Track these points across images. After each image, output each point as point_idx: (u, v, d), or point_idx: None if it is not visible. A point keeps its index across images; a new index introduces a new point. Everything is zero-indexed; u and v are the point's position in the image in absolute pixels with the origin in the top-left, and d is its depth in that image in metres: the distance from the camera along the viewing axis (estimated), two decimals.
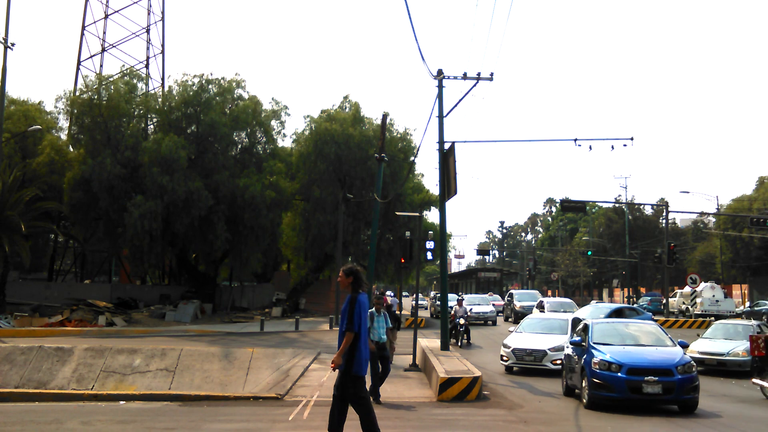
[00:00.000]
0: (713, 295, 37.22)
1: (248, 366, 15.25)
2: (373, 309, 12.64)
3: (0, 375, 14.40)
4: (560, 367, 14.97)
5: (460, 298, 26.30)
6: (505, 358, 17.02)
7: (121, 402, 12.57)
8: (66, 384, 14.11)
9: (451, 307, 39.28)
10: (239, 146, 36.75)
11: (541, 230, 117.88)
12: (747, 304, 52.50)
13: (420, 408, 11.82)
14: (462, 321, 22.65)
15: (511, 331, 18.52)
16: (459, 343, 22.11)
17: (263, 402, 12.66)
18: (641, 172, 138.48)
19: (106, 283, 44.64)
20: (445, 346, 17.99)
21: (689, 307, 39.22)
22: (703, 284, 39.37)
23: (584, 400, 12.05)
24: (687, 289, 39.57)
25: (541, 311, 28.37)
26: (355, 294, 7.44)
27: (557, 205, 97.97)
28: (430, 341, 20.03)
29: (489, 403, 12.52)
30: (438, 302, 38.32)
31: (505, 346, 17.14)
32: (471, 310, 30.05)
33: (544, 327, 18.09)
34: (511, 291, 42.84)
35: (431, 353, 16.11)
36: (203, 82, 34.75)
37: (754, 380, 14.00)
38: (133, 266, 38.80)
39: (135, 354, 15.55)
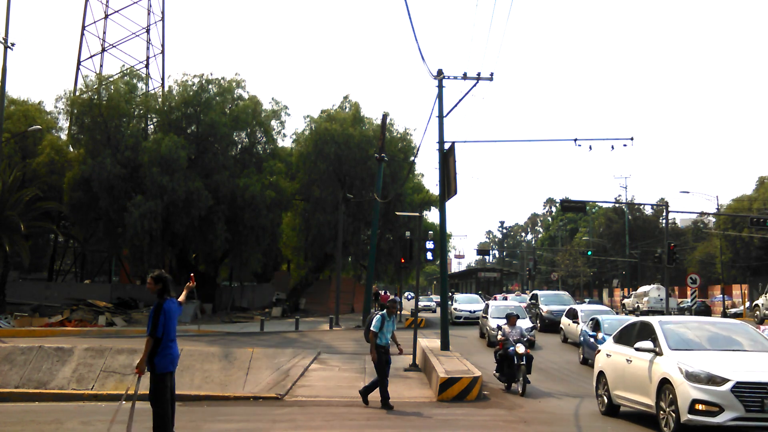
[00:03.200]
0: (658, 295, 44.19)
1: (248, 366, 15.25)
2: (385, 313, 12.18)
3: (0, 375, 14.38)
4: None
5: (511, 312, 16.73)
6: (709, 408, 8.24)
7: (122, 402, 12.55)
8: (66, 384, 14.10)
9: (472, 310, 34.22)
10: (239, 146, 36.75)
11: (541, 230, 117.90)
12: (747, 304, 52.53)
13: (420, 408, 11.81)
14: (521, 349, 13.73)
15: (596, 360, 11.92)
16: (520, 390, 13.51)
17: (263, 402, 12.66)
18: (641, 172, 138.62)
19: (106, 283, 44.65)
20: (445, 346, 17.98)
21: (640, 305, 45.92)
22: (651, 286, 48.70)
23: None
24: (639, 290, 49.36)
25: (573, 321, 22.84)
26: (161, 300, 7.82)
27: (557, 205, 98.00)
28: (430, 341, 20.02)
29: (489, 403, 12.51)
30: (459, 308, 34.81)
31: (704, 378, 8.42)
32: (530, 332, 20.57)
33: (713, 341, 9.78)
34: (535, 292, 35.46)
35: (431, 353, 16.12)
36: (203, 82, 34.75)
37: None
38: (133, 266, 38.80)
39: (135, 354, 15.53)
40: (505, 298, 46.26)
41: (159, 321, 7.69)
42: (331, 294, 39.97)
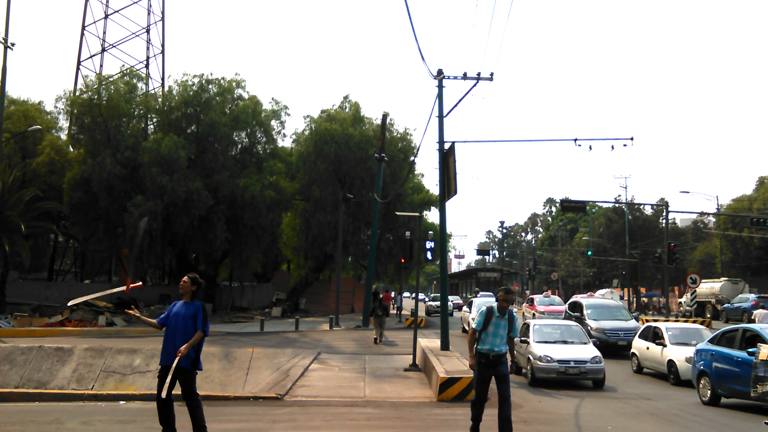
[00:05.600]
0: (611, 298, 47.09)
1: (248, 366, 15.25)
2: (494, 306, 8.91)
3: (0, 375, 14.38)
4: None
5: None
6: None
7: (121, 402, 12.56)
8: (66, 384, 14.10)
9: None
10: (239, 146, 36.75)
11: (541, 230, 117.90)
12: None
13: (420, 408, 11.81)
14: None
15: None
16: None
17: (263, 402, 12.66)
18: (641, 172, 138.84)
19: (106, 283, 44.61)
20: (445, 346, 17.97)
21: None
22: (605, 290, 52.77)
23: None
24: (597, 293, 52.00)
25: (655, 343, 17.23)
26: (201, 302, 8.24)
27: (557, 205, 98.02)
28: (430, 341, 20.02)
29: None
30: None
31: None
32: (597, 362, 15.15)
33: None
34: (578, 301, 25.57)
35: (431, 353, 16.11)
36: (203, 82, 34.74)
37: None
38: (133, 266, 38.74)
39: (135, 354, 15.55)
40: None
41: (207, 318, 8.09)
42: (331, 294, 39.98)
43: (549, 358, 14.75)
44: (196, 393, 8.11)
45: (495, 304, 8.88)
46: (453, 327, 28.67)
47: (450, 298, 54.80)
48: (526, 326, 16.66)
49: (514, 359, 9.11)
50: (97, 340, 20.54)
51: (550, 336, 16.19)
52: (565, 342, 15.98)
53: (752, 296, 37.39)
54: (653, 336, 17.64)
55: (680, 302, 44.99)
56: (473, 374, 8.90)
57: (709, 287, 41.57)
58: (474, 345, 8.85)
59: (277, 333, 26.85)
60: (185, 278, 8.23)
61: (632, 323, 21.92)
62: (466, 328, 27.58)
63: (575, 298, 31.95)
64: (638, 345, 18.31)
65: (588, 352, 15.41)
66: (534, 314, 31.99)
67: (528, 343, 15.64)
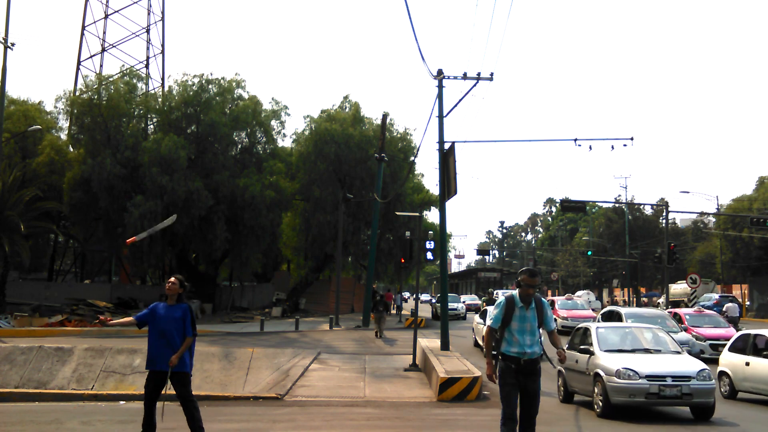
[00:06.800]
0: (588, 299, 51.33)
1: (248, 366, 15.25)
2: (515, 295, 7.04)
3: (0, 375, 14.38)
4: None
5: None
6: None
7: (121, 402, 12.57)
8: (66, 384, 14.10)
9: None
10: (239, 146, 36.75)
11: (541, 230, 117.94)
12: (747, 303, 52.59)
13: (420, 408, 11.81)
14: None
15: None
16: None
17: (263, 402, 12.66)
18: (641, 172, 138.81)
19: (106, 283, 44.62)
20: (445, 346, 17.98)
21: None
22: (582, 291, 58.49)
23: None
24: (575, 295, 55.08)
25: (762, 356, 12.88)
26: (188, 303, 8.24)
27: (557, 205, 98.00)
28: (430, 341, 20.02)
29: (489, 402, 12.49)
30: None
31: None
32: (706, 379, 10.57)
33: None
34: (617, 310, 20.60)
35: (431, 353, 16.11)
36: (203, 82, 34.74)
37: None
38: (133, 266, 38.78)
39: (135, 354, 15.54)
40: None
41: (195, 320, 8.15)
42: (331, 294, 39.97)
43: (632, 373, 10.28)
44: (192, 394, 8.24)
45: (516, 293, 7.01)
46: (456, 328, 28.54)
47: (462, 297, 51.12)
48: (584, 331, 12.42)
49: (550, 359, 7.08)
50: (97, 340, 20.53)
51: (624, 343, 11.79)
52: (647, 351, 11.47)
53: (715, 295, 41.43)
54: (753, 348, 13.34)
55: (659, 303, 48.50)
56: (498, 385, 6.97)
57: (682, 288, 44.64)
58: (491, 348, 6.99)
59: (277, 333, 26.84)
60: (173, 279, 8.12)
61: (683, 335, 18.16)
62: (480, 342, 21.78)
63: (611, 306, 28.30)
64: (731, 360, 13.79)
65: (689, 363, 10.96)
66: (555, 320, 27.69)
67: (592, 353, 11.30)
